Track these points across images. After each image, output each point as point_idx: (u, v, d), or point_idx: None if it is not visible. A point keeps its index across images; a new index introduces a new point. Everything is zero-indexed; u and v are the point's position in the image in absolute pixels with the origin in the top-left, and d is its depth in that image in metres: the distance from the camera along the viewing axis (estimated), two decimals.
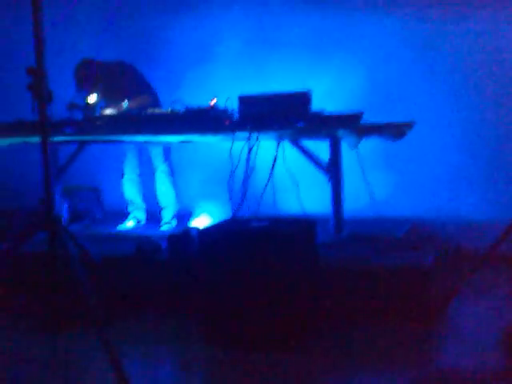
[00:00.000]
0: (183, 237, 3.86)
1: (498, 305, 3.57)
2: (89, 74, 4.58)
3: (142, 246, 3.94)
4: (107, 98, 4.69)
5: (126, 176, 4.87)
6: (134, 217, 4.88)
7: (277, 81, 4.63)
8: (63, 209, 4.63)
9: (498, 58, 4.58)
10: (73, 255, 3.14)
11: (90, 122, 4.30)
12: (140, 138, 4.29)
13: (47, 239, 3.12)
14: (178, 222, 4.80)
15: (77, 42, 5.27)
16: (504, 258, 3.66)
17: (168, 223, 4.78)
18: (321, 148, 4.01)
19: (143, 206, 4.93)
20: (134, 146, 4.79)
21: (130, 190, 4.88)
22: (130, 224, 4.84)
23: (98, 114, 4.47)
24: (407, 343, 3.07)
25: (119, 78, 4.66)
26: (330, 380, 2.82)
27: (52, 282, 3.00)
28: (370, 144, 3.92)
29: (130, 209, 4.91)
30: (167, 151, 4.79)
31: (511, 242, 3.36)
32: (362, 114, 3.80)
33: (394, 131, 3.81)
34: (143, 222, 4.90)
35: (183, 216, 4.84)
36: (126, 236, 4.47)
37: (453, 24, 4.72)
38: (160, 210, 4.86)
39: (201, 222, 4.70)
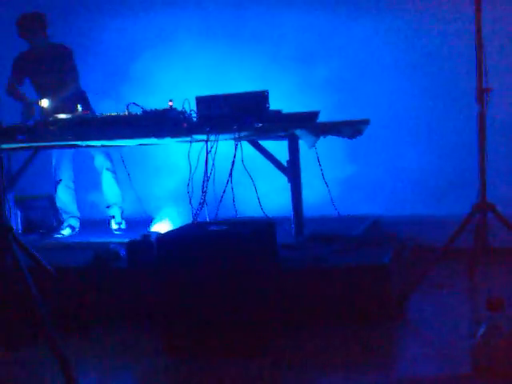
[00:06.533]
0: (142, 243, 3.77)
1: (456, 300, 3.61)
2: (37, 25, 4.45)
3: (100, 254, 3.84)
4: (44, 81, 4.58)
5: (63, 182, 4.74)
6: (69, 225, 4.77)
7: (232, 81, 4.59)
8: (16, 218, 4.48)
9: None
10: (24, 266, 3.03)
11: (43, 127, 4.17)
12: (96, 143, 4.20)
13: None
14: (135, 226, 4.68)
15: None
16: (461, 252, 3.69)
17: (119, 223, 4.73)
18: (279, 148, 3.97)
19: (78, 214, 4.84)
20: (69, 151, 4.65)
21: (66, 197, 4.78)
22: (65, 232, 4.73)
23: (50, 119, 4.33)
24: (367, 343, 3.04)
25: (62, 60, 4.56)
26: (293, 382, 2.78)
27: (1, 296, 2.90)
28: (328, 142, 3.90)
29: (64, 216, 4.81)
30: (107, 150, 4.69)
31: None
32: (318, 112, 3.80)
33: (351, 129, 3.80)
34: (77, 229, 4.80)
35: (144, 222, 4.74)
36: (83, 245, 4.35)
37: (409, 22, 4.75)
38: (107, 207, 4.79)
39: (161, 227, 4.61)
